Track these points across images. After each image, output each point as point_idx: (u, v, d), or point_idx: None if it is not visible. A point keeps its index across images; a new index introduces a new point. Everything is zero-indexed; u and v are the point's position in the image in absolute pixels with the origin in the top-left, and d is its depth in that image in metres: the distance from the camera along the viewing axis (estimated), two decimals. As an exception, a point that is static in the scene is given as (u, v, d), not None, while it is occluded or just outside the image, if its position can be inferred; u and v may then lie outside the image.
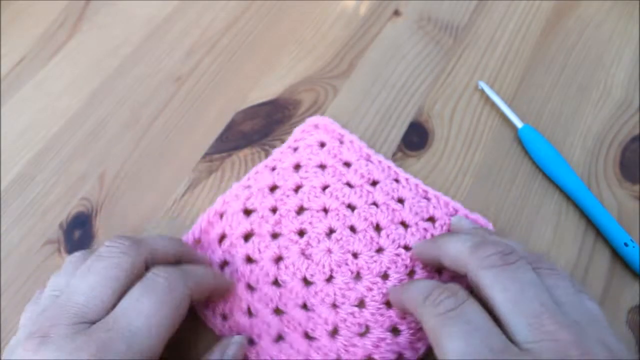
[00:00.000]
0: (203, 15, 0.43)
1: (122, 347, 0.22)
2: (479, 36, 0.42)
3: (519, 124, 0.37)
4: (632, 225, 0.34)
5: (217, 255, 0.32)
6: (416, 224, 0.32)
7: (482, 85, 0.39)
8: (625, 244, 0.33)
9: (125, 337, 0.23)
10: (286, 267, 0.31)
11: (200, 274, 0.28)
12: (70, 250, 0.33)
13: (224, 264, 0.32)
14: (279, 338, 0.30)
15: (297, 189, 0.34)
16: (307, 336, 0.30)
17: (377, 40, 0.41)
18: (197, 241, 0.33)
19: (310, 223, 0.32)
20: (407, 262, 0.31)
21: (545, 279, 0.26)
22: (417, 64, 0.40)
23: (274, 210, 0.33)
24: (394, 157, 0.37)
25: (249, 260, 0.32)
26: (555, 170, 0.35)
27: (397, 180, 0.34)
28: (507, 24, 0.42)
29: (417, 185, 0.34)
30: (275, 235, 0.32)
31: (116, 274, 0.25)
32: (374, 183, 0.34)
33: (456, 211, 0.33)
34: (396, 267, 0.31)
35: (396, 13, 0.43)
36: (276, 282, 0.31)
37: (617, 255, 0.33)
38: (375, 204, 0.33)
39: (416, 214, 0.33)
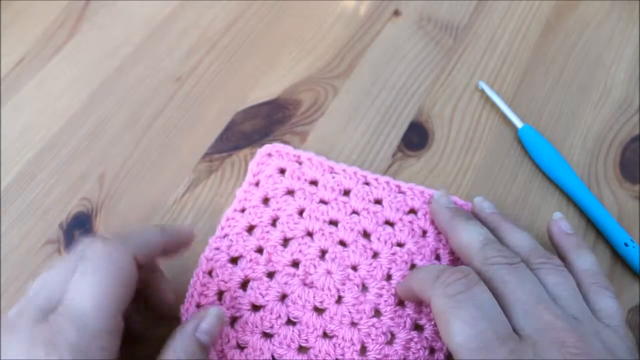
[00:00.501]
0: (203, 15, 0.43)
1: (72, 328, 0.22)
2: (479, 36, 0.42)
3: (519, 124, 0.37)
4: (632, 225, 0.34)
5: (225, 315, 0.30)
6: (400, 219, 0.33)
7: (482, 85, 0.39)
8: (625, 244, 0.33)
9: (74, 319, 0.22)
10: (294, 303, 0.30)
11: (144, 236, 0.27)
12: (70, 250, 0.33)
13: (233, 320, 0.30)
14: None
15: (274, 222, 0.33)
16: None
17: (377, 40, 0.41)
18: (199, 305, 0.30)
19: (300, 251, 0.32)
20: (405, 257, 0.31)
21: (547, 276, 0.27)
22: (417, 64, 0.40)
23: (259, 250, 0.32)
24: (394, 157, 0.37)
25: (256, 308, 0.31)
26: (555, 170, 0.35)
27: (367, 183, 0.34)
28: (507, 24, 0.42)
29: (388, 182, 0.34)
30: (270, 275, 0.31)
31: (74, 262, 0.24)
32: (347, 192, 0.34)
33: (432, 197, 0.33)
34: (396, 265, 0.31)
35: (396, 13, 0.43)
36: (290, 321, 0.30)
37: (617, 255, 0.34)
38: (355, 212, 0.33)
39: (397, 209, 0.33)
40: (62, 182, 0.36)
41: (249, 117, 0.38)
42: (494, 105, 0.38)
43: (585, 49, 0.41)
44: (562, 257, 0.30)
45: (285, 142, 0.37)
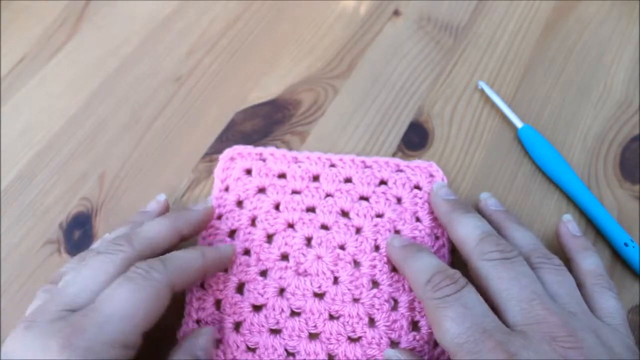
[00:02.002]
0: (203, 15, 0.43)
1: (92, 331, 0.23)
2: (479, 36, 0.42)
3: (519, 124, 0.37)
4: (632, 225, 0.34)
5: (228, 322, 0.30)
6: (373, 192, 0.33)
7: (482, 85, 0.39)
8: (625, 244, 0.33)
9: (98, 322, 0.23)
10: (293, 294, 0.31)
11: (184, 260, 0.27)
12: (70, 250, 0.33)
13: (237, 325, 0.30)
14: (331, 358, 0.30)
15: (253, 222, 0.33)
16: (353, 340, 0.30)
17: (377, 40, 0.41)
18: (199, 321, 0.30)
19: (286, 244, 0.32)
20: (387, 226, 0.32)
21: (545, 274, 0.27)
22: (417, 64, 0.40)
23: (247, 252, 0.32)
24: (394, 157, 0.37)
25: (257, 308, 0.31)
26: (555, 170, 0.35)
27: (333, 165, 0.35)
28: (507, 24, 0.42)
29: (352, 160, 0.35)
30: (263, 273, 0.31)
31: (107, 267, 0.25)
32: (316, 178, 0.34)
33: (397, 166, 0.35)
34: (381, 235, 0.32)
35: (396, 13, 0.43)
36: (294, 313, 0.30)
37: (617, 255, 0.34)
38: (329, 195, 0.33)
39: (368, 184, 0.34)
40: (62, 182, 0.36)
41: (249, 117, 0.38)
42: (494, 105, 0.38)
43: (585, 49, 0.41)
44: (569, 258, 0.31)
45: (285, 142, 0.37)
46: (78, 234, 0.34)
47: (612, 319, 0.26)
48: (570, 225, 0.32)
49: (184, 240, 0.30)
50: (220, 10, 0.43)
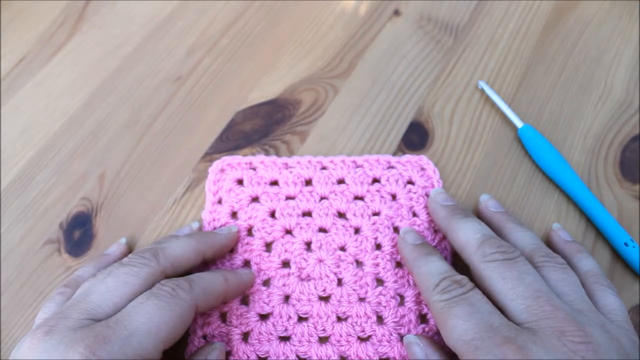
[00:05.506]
0: (203, 15, 0.43)
1: (116, 344, 0.23)
2: (479, 36, 0.42)
3: (519, 123, 0.37)
4: (632, 225, 0.34)
5: (235, 334, 0.30)
6: (367, 191, 0.33)
7: (482, 85, 0.39)
8: (625, 244, 0.33)
9: (122, 336, 0.23)
10: (299, 300, 0.31)
11: (209, 282, 0.28)
12: (70, 250, 0.33)
13: (245, 335, 0.30)
14: None
15: (249, 232, 0.33)
16: (363, 339, 0.30)
17: (377, 40, 0.41)
18: (205, 336, 0.30)
19: (286, 250, 0.32)
20: (385, 223, 0.32)
21: (549, 272, 0.27)
22: (417, 64, 0.40)
23: (247, 263, 0.32)
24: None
25: (263, 317, 0.31)
26: (555, 170, 0.35)
27: (324, 168, 0.34)
28: (507, 24, 0.42)
29: (343, 160, 0.35)
30: (266, 283, 0.31)
31: (132, 280, 0.26)
32: (309, 182, 0.34)
33: (388, 162, 0.35)
34: (381, 233, 0.32)
35: (396, 13, 0.43)
36: (301, 318, 0.30)
37: (617, 255, 0.34)
38: (323, 197, 0.33)
39: (361, 183, 0.34)
40: (62, 182, 0.36)
41: (249, 117, 0.38)
42: (494, 105, 0.38)
43: (585, 49, 0.41)
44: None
45: (286, 142, 0.37)
46: (78, 233, 0.34)
47: (616, 316, 0.27)
48: (561, 232, 0.33)
49: (204, 263, 0.31)
50: (220, 10, 0.43)
